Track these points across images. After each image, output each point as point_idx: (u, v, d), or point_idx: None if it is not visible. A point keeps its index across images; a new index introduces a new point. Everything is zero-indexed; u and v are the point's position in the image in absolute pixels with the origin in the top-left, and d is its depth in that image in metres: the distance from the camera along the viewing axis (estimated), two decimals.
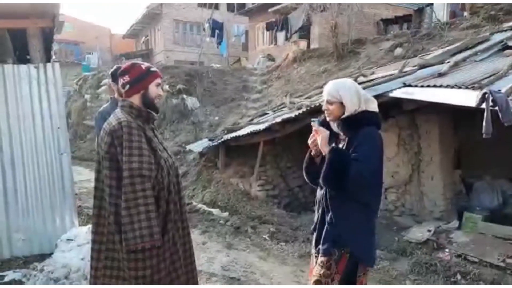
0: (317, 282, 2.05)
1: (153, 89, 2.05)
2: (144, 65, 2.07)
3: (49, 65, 4.16)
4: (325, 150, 2.01)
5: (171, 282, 2.00)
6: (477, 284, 3.66)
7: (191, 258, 2.17)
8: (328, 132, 2.06)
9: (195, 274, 2.19)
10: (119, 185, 1.86)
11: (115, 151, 1.88)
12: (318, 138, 2.05)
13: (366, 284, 2.10)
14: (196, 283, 2.18)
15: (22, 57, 5.31)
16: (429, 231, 4.73)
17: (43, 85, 4.07)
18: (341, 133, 2.08)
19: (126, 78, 2.02)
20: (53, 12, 4.25)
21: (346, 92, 2.02)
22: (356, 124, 2.00)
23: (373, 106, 2.08)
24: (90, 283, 2.05)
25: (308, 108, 5.58)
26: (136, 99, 2.02)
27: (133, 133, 1.89)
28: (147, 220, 1.82)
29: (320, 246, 2.06)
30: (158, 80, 2.07)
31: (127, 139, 1.86)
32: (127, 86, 2.02)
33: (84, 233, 4.00)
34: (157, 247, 1.87)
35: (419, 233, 4.76)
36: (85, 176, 9.37)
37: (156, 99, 2.07)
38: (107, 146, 1.90)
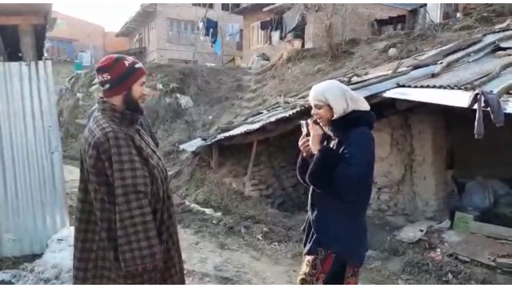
0: (303, 280, 2.06)
1: (137, 89, 1.84)
2: (128, 61, 1.84)
3: (40, 62, 4.10)
4: (315, 148, 2.00)
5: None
6: (468, 283, 3.69)
7: (180, 263, 2.10)
8: (321, 132, 2.05)
9: (183, 276, 2.14)
10: (111, 200, 1.71)
11: (102, 165, 1.70)
12: (311, 136, 2.04)
13: (356, 284, 2.10)
14: (183, 283, 2.14)
15: (13, 55, 5.25)
16: (421, 230, 4.76)
17: (34, 83, 4.01)
18: (333, 134, 2.06)
19: (107, 76, 1.79)
20: (46, 9, 4.20)
21: (331, 94, 2.00)
22: (347, 124, 1.99)
23: (364, 106, 2.06)
24: None
25: (302, 107, 5.58)
26: (117, 100, 1.82)
27: (122, 145, 1.71)
28: (147, 240, 1.70)
29: (307, 245, 2.08)
30: (143, 79, 1.87)
31: (116, 152, 1.68)
32: (107, 86, 1.80)
33: None
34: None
35: (411, 232, 4.79)
36: (77, 176, 9.25)
37: (140, 99, 1.88)
38: (93, 161, 1.71)
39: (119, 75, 1.80)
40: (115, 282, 1.81)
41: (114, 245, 1.72)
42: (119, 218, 1.68)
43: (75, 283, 1.90)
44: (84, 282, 1.85)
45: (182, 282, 2.08)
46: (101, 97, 1.87)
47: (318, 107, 2.04)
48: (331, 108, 2.01)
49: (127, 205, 1.68)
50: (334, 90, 2.03)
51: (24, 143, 3.99)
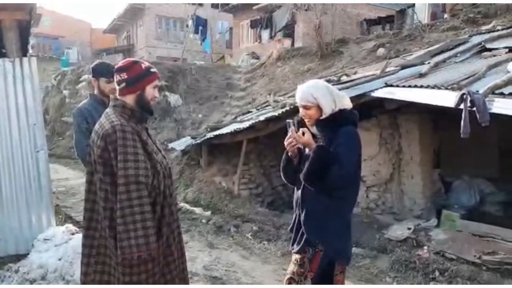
0: (290, 279, 2.06)
1: (150, 91, 1.97)
2: (144, 64, 1.99)
3: (25, 59, 4.02)
4: (311, 146, 1.99)
5: (166, 284, 1.97)
6: (455, 280, 3.74)
7: (183, 257, 2.15)
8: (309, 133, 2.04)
9: (186, 273, 2.16)
10: (114, 190, 1.79)
11: (108, 156, 1.80)
12: (305, 137, 2.01)
13: (343, 282, 2.11)
14: (187, 283, 2.15)
15: None
16: (409, 229, 4.80)
17: (18, 80, 3.94)
18: (320, 134, 2.06)
19: (124, 75, 1.92)
20: (30, 5, 4.12)
21: (320, 94, 2.01)
22: (334, 124, 2.01)
23: (346, 103, 2.08)
24: None
25: (292, 106, 5.58)
26: (130, 99, 1.94)
27: (128, 138, 1.81)
28: (143, 229, 1.77)
29: (295, 245, 2.08)
30: (156, 82, 2.00)
31: (121, 144, 1.79)
32: (123, 84, 1.93)
33: (61, 232, 3.90)
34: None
35: (399, 231, 4.83)
36: (63, 175, 9.16)
37: (152, 101, 2.00)
38: (100, 151, 1.82)
39: (135, 75, 1.93)
40: (114, 269, 1.87)
41: (114, 233, 1.80)
42: (119, 207, 1.76)
43: (81, 270, 1.98)
44: (87, 267, 1.94)
45: (182, 279, 2.10)
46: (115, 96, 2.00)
47: (307, 108, 2.04)
48: (320, 108, 2.01)
49: (127, 195, 1.76)
50: (322, 89, 2.03)
51: (9, 141, 3.91)
